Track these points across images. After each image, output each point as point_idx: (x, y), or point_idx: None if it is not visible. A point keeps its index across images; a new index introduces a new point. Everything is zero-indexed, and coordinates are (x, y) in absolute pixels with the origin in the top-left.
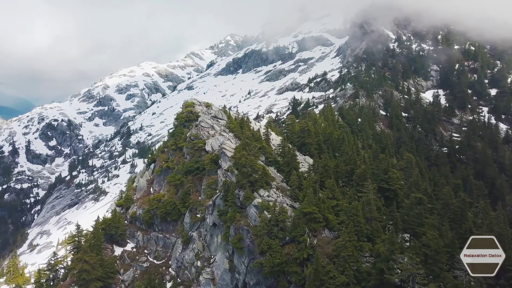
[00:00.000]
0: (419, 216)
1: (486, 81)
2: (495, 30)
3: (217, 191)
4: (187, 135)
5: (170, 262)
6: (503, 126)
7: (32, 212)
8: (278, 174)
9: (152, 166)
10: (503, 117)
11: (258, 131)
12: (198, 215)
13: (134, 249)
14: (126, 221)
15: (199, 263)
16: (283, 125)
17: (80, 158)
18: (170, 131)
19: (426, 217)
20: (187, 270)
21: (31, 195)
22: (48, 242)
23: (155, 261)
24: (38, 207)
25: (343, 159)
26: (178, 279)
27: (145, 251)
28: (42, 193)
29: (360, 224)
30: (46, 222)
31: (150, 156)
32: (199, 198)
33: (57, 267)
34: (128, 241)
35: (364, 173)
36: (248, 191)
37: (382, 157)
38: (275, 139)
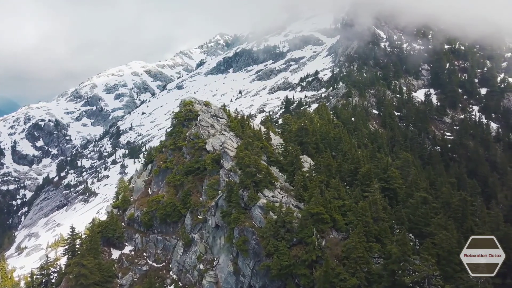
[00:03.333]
0: (425, 216)
1: (476, 80)
2: (481, 28)
3: (220, 191)
4: (187, 134)
5: (170, 265)
6: (493, 125)
7: (19, 214)
8: (281, 174)
9: (149, 166)
10: (493, 116)
11: (260, 130)
12: (200, 217)
13: (133, 252)
14: (123, 223)
15: (201, 266)
16: (276, 124)
17: (68, 158)
18: (168, 130)
19: (431, 216)
20: (189, 273)
21: (18, 197)
22: (36, 244)
23: (154, 264)
24: (25, 209)
25: (347, 158)
26: (180, 282)
27: (144, 254)
28: (29, 194)
29: (368, 225)
30: (34, 224)
31: (147, 156)
32: (200, 199)
33: (50, 271)
34: (126, 244)
35: (369, 173)
36: (253, 192)
37: (380, 156)
38: (274, 138)
